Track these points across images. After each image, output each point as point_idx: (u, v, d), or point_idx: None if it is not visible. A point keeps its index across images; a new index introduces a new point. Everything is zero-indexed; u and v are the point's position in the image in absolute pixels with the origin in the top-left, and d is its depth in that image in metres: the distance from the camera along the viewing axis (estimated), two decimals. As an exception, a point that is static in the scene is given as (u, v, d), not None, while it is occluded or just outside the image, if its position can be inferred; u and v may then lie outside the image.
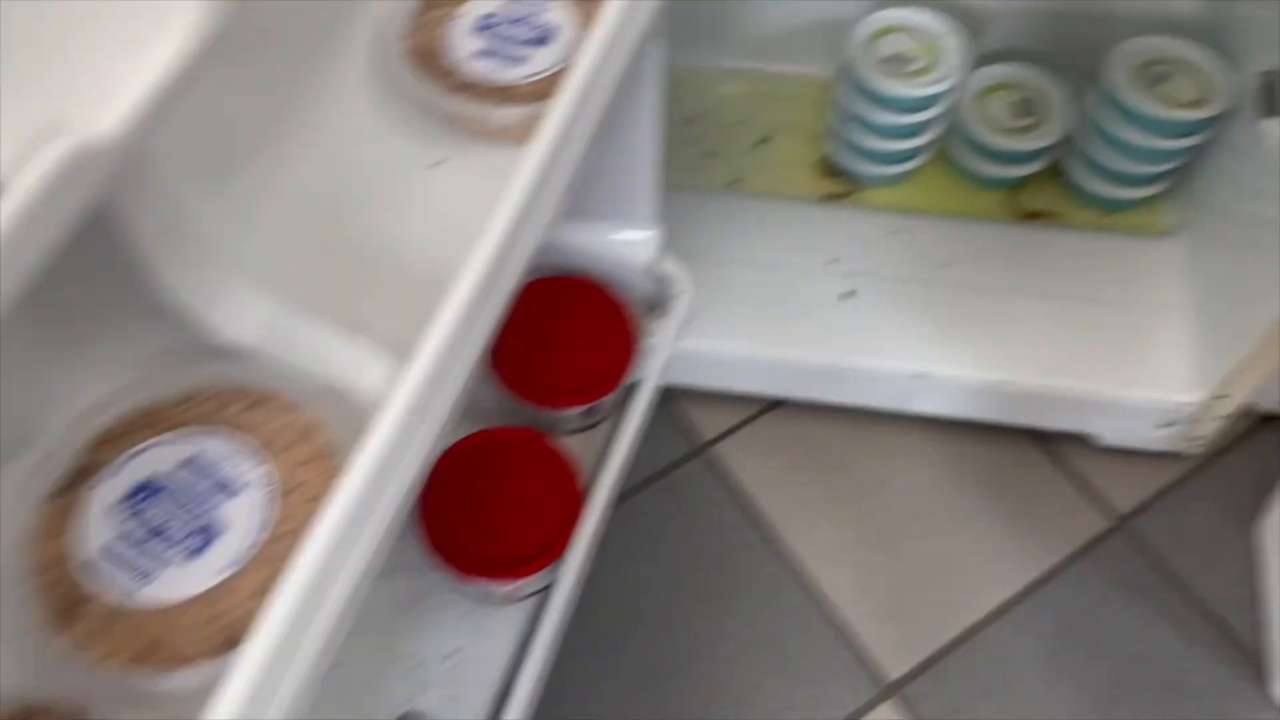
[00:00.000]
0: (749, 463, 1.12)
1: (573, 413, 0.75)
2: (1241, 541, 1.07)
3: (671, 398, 1.16)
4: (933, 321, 1.06)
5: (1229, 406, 1.01)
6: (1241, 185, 1.01)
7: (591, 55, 0.48)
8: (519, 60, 0.58)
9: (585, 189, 0.70)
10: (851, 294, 1.08)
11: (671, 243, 1.10)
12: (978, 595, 1.04)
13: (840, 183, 1.16)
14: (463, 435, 0.74)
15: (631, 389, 0.80)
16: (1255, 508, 1.08)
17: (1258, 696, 0.99)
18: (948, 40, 1.06)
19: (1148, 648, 1.01)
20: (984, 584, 1.05)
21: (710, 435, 1.15)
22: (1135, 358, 1.04)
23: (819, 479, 1.11)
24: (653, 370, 0.75)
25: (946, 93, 1.04)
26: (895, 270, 1.09)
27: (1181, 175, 1.10)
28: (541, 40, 0.59)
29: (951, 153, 1.13)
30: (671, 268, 0.76)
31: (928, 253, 1.10)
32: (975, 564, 1.06)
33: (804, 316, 1.07)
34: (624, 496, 1.11)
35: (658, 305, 0.78)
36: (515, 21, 0.59)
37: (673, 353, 1.06)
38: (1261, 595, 1.04)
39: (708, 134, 1.20)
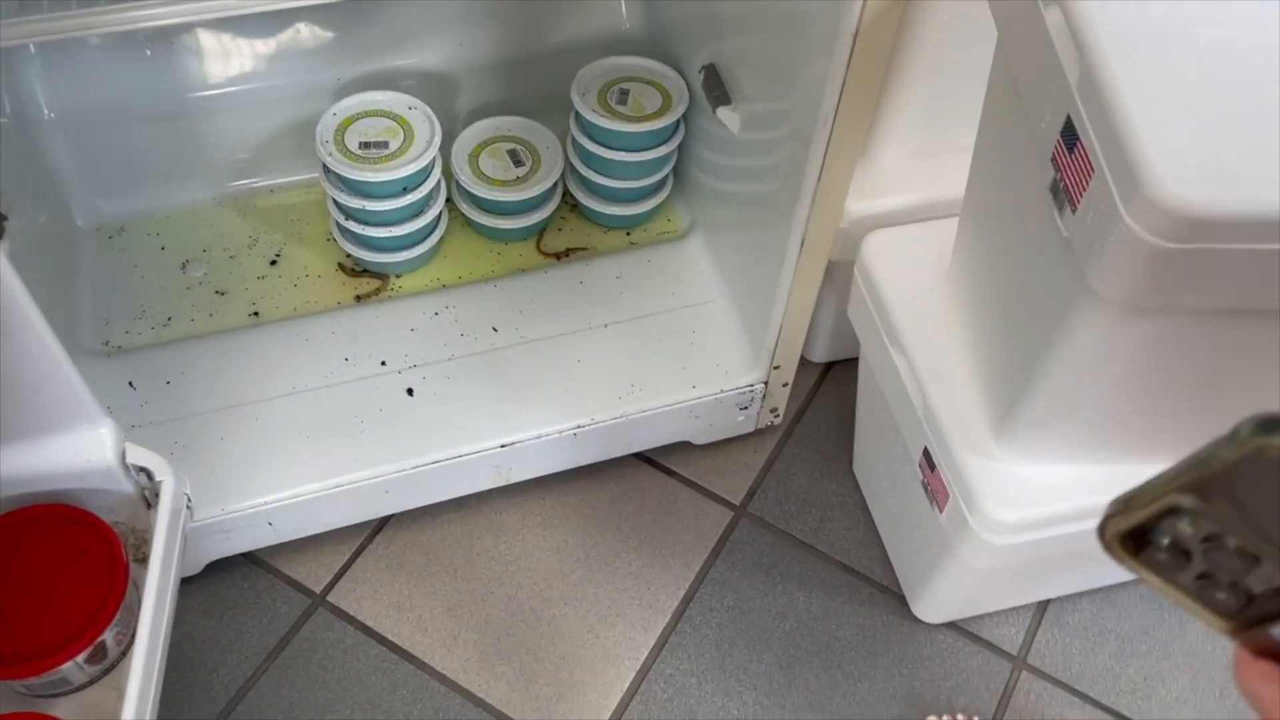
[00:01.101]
0: (373, 594, 1.04)
1: (73, 665, 0.63)
2: (846, 486, 1.13)
3: (265, 560, 1.05)
4: (501, 390, 1.03)
5: (786, 374, 1.06)
6: (721, 171, 1.07)
7: None
8: None
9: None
10: (413, 390, 1.03)
11: (197, 401, 1.00)
12: (637, 638, 1.02)
13: (367, 281, 1.10)
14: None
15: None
16: (847, 451, 1.15)
17: (906, 623, 1.05)
18: (416, 114, 1.04)
19: (799, 622, 1.04)
20: (640, 622, 1.03)
21: (324, 582, 1.05)
22: (696, 358, 1.06)
23: (447, 584, 1.05)
24: (154, 574, 0.65)
25: (428, 166, 1.01)
26: (449, 351, 1.05)
27: (677, 176, 1.15)
28: None
29: (466, 218, 1.11)
30: (143, 456, 0.66)
31: (475, 324, 1.07)
32: (625, 605, 1.04)
33: (372, 429, 1.00)
34: (249, 683, 0.99)
35: (154, 497, 0.68)
36: None
37: (241, 516, 0.96)
38: (876, 529, 1.10)
39: (212, 271, 1.10)
